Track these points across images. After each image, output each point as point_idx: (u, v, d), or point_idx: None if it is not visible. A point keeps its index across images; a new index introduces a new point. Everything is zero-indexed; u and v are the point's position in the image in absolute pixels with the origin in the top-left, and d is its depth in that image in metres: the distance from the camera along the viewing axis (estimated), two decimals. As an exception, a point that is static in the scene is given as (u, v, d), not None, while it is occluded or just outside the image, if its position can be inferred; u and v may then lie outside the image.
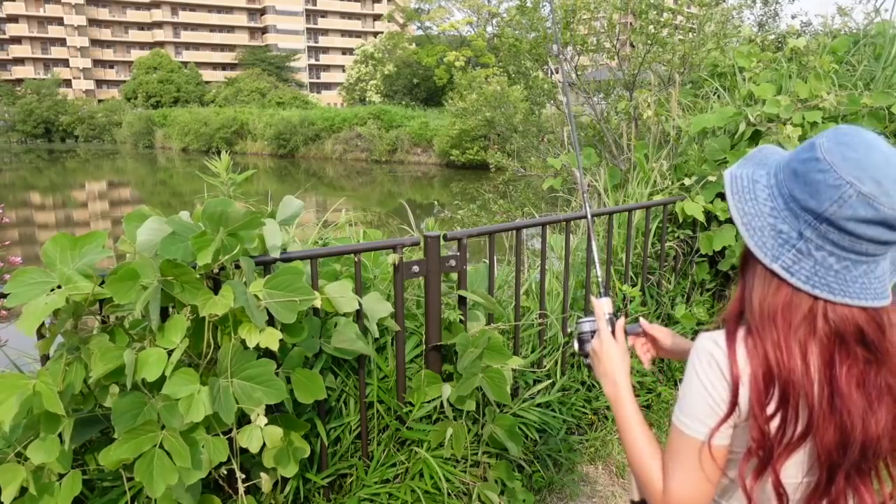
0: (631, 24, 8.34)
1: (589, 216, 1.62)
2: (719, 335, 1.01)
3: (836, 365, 0.92)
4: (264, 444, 1.86)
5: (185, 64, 62.67)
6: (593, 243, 1.57)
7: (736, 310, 1.01)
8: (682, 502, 1.02)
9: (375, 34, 67.53)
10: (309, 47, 75.16)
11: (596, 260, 1.54)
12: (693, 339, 1.07)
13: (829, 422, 0.93)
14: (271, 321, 1.86)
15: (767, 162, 1.01)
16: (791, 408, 0.94)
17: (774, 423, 0.96)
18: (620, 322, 1.34)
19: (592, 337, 1.35)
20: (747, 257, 1.01)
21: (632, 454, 1.14)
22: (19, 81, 62.23)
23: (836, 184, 0.87)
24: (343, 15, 77.02)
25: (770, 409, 0.95)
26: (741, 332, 0.99)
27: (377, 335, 2.38)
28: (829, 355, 0.93)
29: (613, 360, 1.27)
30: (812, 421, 0.94)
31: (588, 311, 1.40)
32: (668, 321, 3.64)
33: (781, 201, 0.94)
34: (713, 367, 0.99)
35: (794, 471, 1.00)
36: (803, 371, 0.93)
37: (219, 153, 2.38)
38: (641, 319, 1.41)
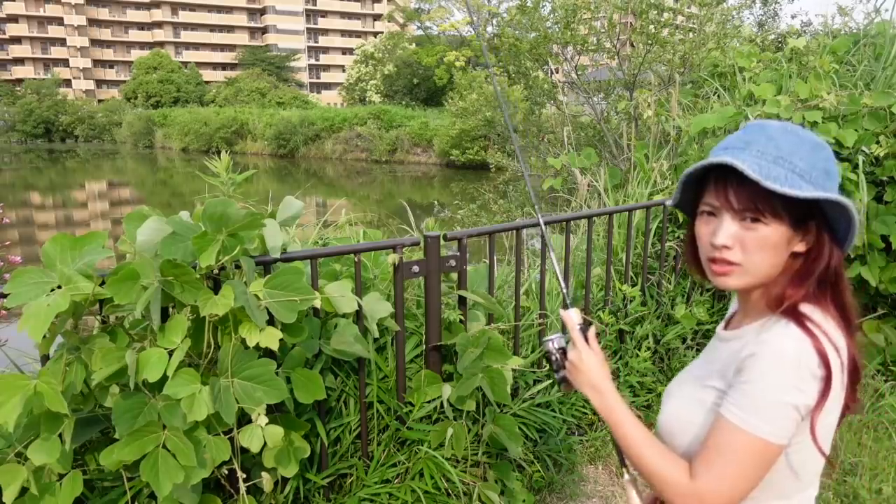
0: (631, 23, 8.33)
1: (542, 225, 1.60)
2: (797, 333, 1.01)
3: None
4: (265, 444, 1.86)
5: (185, 64, 62.69)
6: (551, 252, 1.52)
7: (799, 296, 1.05)
8: (720, 494, 1.01)
9: (375, 34, 67.51)
10: (309, 47, 75.16)
11: (557, 269, 1.50)
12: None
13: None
14: (271, 321, 1.86)
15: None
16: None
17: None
18: (592, 330, 1.31)
19: (561, 353, 1.33)
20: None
21: (639, 458, 1.11)
22: (19, 81, 62.19)
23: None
24: (343, 15, 77.03)
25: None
26: (814, 317, 1.03)
27: (377, 335, 2.38)
28: None
29: (593, 368, 1.25)
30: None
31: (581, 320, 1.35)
32: (669, 321, 3.64)
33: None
34: (802, 369, 0.99)
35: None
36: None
37: (219, 153, 2.37)
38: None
